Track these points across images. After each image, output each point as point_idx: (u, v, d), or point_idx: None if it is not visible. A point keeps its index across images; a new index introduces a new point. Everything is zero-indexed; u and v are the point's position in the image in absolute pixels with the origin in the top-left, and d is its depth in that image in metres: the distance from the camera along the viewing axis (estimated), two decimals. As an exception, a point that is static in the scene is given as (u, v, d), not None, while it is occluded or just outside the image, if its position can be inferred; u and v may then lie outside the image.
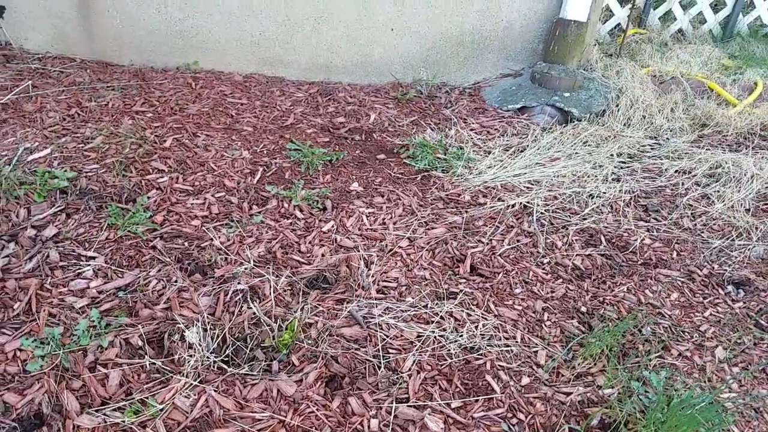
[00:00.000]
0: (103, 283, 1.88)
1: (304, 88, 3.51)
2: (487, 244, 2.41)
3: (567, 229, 2.60)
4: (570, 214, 2.69)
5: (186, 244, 2.13)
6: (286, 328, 1.78)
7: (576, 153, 3.19)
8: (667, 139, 3.58)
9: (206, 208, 2.36)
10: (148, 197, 2.33)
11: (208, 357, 1.69)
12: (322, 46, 3.57)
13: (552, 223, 2.61)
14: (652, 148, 3.46)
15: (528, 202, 2.68)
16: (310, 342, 1.80)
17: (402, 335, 1.91)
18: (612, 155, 3.24)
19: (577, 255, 2.42)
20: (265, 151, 2.83)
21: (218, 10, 3.34)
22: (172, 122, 2.87)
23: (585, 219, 2.67)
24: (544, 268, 2.34)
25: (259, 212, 2.39)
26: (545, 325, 2.04)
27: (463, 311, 2.02)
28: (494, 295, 2.15)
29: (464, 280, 2.20)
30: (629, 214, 2.74)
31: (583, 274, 2.33)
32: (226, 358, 1.71)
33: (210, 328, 1.77)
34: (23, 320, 1.71)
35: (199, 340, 1.72)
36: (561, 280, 2.29)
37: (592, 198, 2.85)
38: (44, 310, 1.74)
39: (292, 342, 1.77)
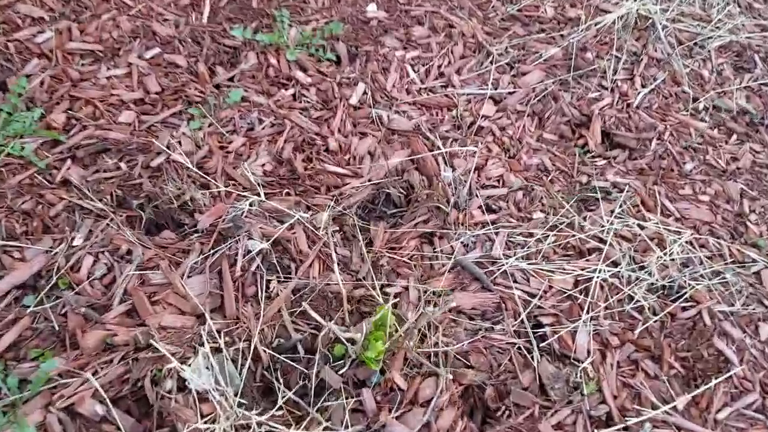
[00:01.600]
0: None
1: None
2: (613, 89, 1.52)
3: (704, 48, 1.72)
4: (697, 22, 1.78)
5: (123, 165, 1.12)
6: (374, 328, 0.94)
7: None
8: None
9: (138, 84, 1.28)
10: (28, 76, 1.22)
11: (237, 412, 0.86)
12: None
13: (680, 41, 1.71)
14: None
15: (642, 9, 1.72)
16: (409, 335, 0.98)
17: (551, 288, 1.11)
18: None
19: (736, 89, 1.59)
20: (206, -39, 1.63)
21: None
22: None
23: (718, 28, 1.77)
24: (703, 119, 1.52)
25: (232, 80, 1.35)
26: (750, 222, 1.30)
27: (630, 224, 1.22)
28: (661, 181, 1.34)
29: (604, 162, 1.36)
30: (774, 14, 1.86)
31: (754, 118, 1.54)
32: (270, 401, 0.89)
33: (226, 342, 0.91)
34: None
35: (215, 378, 0.87)
36: (735, 135, 1.49)
37: (711, -8, 1.92)
38: None
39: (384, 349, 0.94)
